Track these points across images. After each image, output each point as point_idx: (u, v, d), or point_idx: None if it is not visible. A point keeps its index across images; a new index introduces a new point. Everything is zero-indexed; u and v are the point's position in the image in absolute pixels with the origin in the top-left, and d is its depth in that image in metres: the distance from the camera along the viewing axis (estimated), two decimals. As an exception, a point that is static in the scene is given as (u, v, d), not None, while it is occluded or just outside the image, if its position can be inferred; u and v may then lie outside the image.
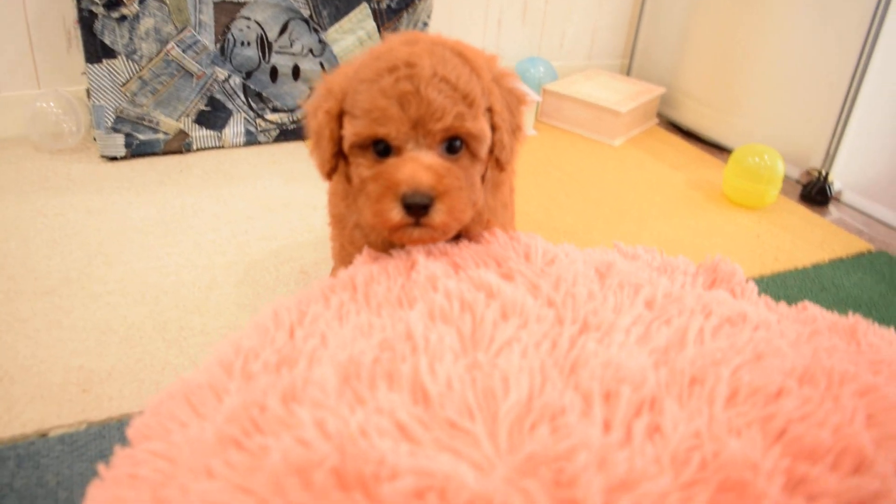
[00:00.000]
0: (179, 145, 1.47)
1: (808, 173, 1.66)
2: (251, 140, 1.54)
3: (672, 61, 1.98)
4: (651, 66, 2.07)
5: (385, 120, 0.62)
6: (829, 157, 1.61)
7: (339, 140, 0.68)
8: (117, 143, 1.41)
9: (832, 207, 1.60)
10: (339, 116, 0.67)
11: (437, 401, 0.49)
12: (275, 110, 1.53)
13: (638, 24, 2.08)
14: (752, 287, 0.77)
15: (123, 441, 0.79)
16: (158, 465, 0.52)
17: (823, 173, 1.61)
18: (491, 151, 0.68)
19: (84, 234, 1.18)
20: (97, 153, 1.45)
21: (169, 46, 1.37)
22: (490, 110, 0.67)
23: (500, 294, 0.60)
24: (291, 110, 1.55)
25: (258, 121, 1.52)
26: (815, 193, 1.60)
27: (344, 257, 0.81)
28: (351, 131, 0.65)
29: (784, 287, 1.22)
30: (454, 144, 0.64)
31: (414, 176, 0.61)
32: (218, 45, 1.42)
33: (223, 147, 1.52)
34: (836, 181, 1.62)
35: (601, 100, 1.78)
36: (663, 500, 0.43)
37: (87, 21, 1.29)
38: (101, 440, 0.80)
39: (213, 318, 1.00)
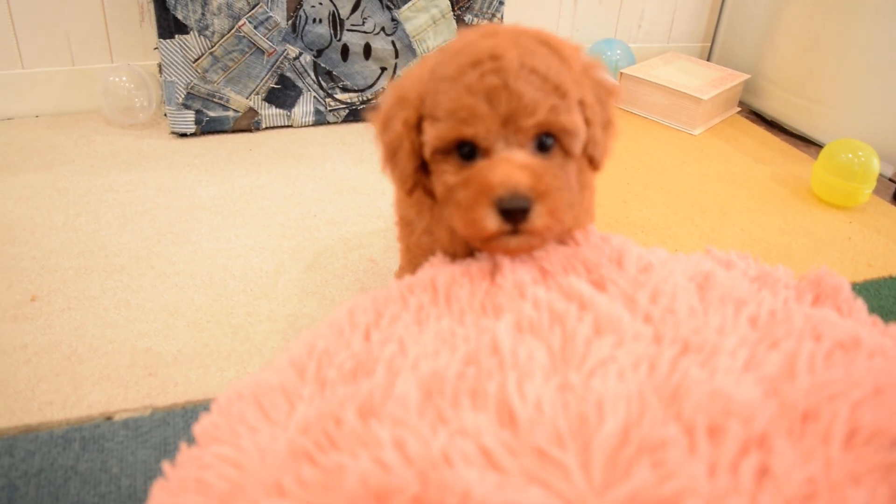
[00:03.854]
0: (249, 123, 1.46)
1: (906, 172, 1.54)
2: (320, 120, 1.51)
3: (757, 46, 1.87)
4: (734, 50, 1.96)
5: (472, 119, 0.57)
6: (931, 155, 1.49)
7: (419, 151, 0.62)
8: (187, 120, 1.41)
9: (931, 209, 1.48)
10: (418, 125, 0.61)
11: (526, 425, 0.45)
12: (345, 90, 1.50)
13: (721, 6, 1.97)
14: (861, 305, 0.70)
15: (187, 430, 0.79)
16: (226, 471, 0.50)
17: (923, 172, 1.50)
18: (583, 149, 0.63)
19: (154, 211, 1.18)
20: (167, 129, 1.45)
21: (241, 22, 1.35)
22: (581, 103, 0.61)
23: (593, 306, 0.55)
24: (362, 90, 1.52)
25: (328, 100, 1.50)
26: (913, 194, 1.49)
27: (410, 260, 0.77)
28: (434, 135, 0.59)
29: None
30: (545, 142, 0.59)
31: (510, 177, 0.55)
32: (289, 22, 1.39)
33: (292, 126, 1.50)
34: (937, 181, 1.50)
35: (681, 86, 1.69)
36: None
37: (161, -5, 1.28)
38: (165, 427, 0.79)
39: (279, 304, 0.98)
